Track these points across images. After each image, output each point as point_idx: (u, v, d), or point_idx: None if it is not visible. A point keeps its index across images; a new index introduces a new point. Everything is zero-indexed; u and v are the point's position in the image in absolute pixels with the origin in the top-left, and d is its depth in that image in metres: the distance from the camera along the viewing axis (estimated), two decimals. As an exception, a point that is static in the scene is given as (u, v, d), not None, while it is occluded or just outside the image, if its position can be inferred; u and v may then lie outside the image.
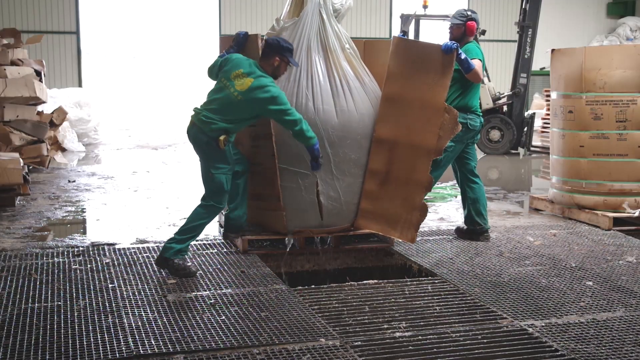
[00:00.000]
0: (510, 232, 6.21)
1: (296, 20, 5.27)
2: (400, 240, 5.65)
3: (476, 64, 5.45)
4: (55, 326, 3.79)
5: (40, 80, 9.51)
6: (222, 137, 4.74)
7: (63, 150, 11.08)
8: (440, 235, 6.07)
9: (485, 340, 3.69)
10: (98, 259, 5.14)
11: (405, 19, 13.29)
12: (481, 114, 5.83)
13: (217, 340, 3.62)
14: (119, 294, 4.36)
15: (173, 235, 4.86)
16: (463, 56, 5.30)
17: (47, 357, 3.40)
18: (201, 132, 4.78)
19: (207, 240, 5.72)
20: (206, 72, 5.16)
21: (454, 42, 5.20)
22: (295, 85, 5.18)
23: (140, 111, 17.06)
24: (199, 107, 4.88)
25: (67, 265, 4.97)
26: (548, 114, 12.29)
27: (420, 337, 3.70)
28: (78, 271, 4.83)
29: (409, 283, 4.67)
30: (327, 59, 5.27)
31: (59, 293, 4.36)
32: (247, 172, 5.32)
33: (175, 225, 6.38)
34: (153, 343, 3.57)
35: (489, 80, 13.06)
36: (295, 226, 5.28)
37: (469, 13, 5.77)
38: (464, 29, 5.71)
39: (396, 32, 17.19)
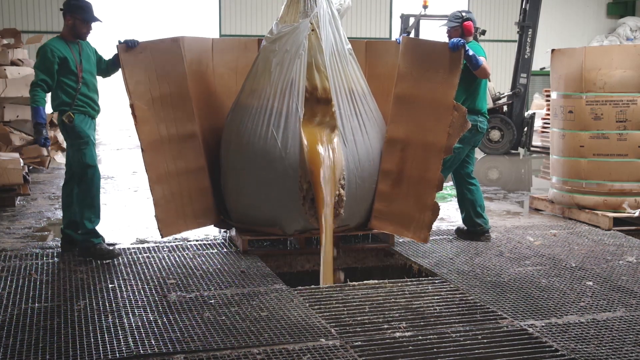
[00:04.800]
0: (510, 232, 6.21)
1: (295, 25, 5.21)
2: (400, 240, 5.66)
3: (483, 60, 5.44)
4: (55, 326, 3.79)
5: (41, 80, 9.49)
6: (64, 116, 5.06)
7: (63, 150, 11.04)
8: (440, 235, 6.07)
9: (485, 341, 3.68)
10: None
11: (406, 19, 13.30)
12: (488, 116, 5.83)
13: (217, 340, 3.62)
14: (119, 294, 4.35)
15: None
16: (471, 52, 5.24)
17: (47, 357, 3.40)
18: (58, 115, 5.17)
19: (207, 240, 5.72)
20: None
21: (460, 39, 5.15)
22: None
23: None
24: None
25: (67, 265, 4.97)
26: (548, 114, 12.30)
27: (420, 337, 3.70)
28: (78, 271, 4.83)
29: (409, 283, 4.66)
30: (339, 67, 5.25)
31: (59, 293, 4.36)
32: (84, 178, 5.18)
33: (175, 225, 6.37)
34: (153, 343, 3.57)
35: (489, 80, 13.06)
36: (295, 227, 5.27)
37: (464, 14, 5.73)
38: (461, 30, 5.69)
39: (396, 32, 17.20)
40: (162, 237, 5.24)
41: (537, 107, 17.15)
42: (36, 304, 4.16)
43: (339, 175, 5.10)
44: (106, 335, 3.66)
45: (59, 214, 7.04)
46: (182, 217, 5.30)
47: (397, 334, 3.74)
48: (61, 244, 5.37)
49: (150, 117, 5.11)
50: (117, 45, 5.11)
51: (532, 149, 13.19)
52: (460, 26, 5.68)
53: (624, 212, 6.49)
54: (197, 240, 5.72)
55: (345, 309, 4.14)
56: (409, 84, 5.30)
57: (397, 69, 5.39)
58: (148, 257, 5.20)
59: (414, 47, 5.40)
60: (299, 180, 5.07)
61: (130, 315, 3.96)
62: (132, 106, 5.02)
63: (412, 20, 13.23)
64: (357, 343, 3.62)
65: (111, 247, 5.23)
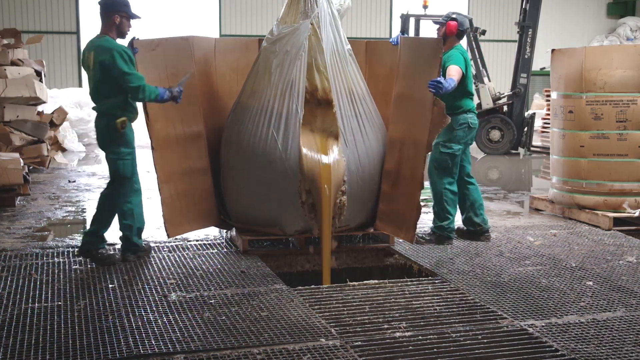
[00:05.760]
0: (510, 232, 6.21)
1: (295, 26, 5.20)
2: (400, 240, 5.66)
3: (452, 70, 5.37)
4: (55, 326, 3.79)
5: (41, 80, 9.52)
6: (119, 120, 4.83)
7: (63, 150, 11.08)
8: (440, 235, 6.06)
9: (485, 340, 3.68)
10: (98, 259, 5.14)
11: (406, 19, 13.31)
12: (476, 112, 5.85)
13: (217, 340, 3.62)
14: (119, 294, 4.35)
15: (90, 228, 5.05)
16: (443, 90, 4.94)
17: (47, 357, 3.40)
18: (100, 117, 4.93)
19: (207, 240, 5.72)
20: None
21: (438, 83, 4.88)
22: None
23: (140, 111, 17.03)
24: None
25: (67, 265, 4.97)
26: (548, 114, 12.31)
27: (420, 337, 3.70)
28: (78, 271, 4.83)
29: (409, 283, 4.66)
30: (340, 67, 5.26)
31: (59, 293, 4.36)
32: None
33: (175, 225, 6.37)
34: (153, 343, 3.57)
35: (489, 80, 13.08)
36: (295, 228, 5.27)
37: (453, 15, 5.78)
38: (444, 29, 5.73)
39: (396, 32, 17.19)
40: (168, 237, 5.26)
41: (537, 107, 17.17)
42: (36, 304, 4.15)
43: (341, 181, 5.09)
44: (106, 335, 3.66)
45: (59, 214, 7.05)
46: (186, 217, 5.31)
47: (397, 334, 3.74)
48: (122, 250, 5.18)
49: (161, 115, 5.12)
50: (131, 41, 5.02)
51: (532, 149, 13.20)
52: (445, 25, 5.73)
53: (624, 212, 6.49)
54: (197, 240, 5.72)
55: (345, 309, 4.14)
56: (405, 84, 5.32)
57: (396, 69, 5.41)
58: (148, 257, 5.19)
59: (408, 46, 5.43)
60: (298, 184, 5.07)
61: (130, 315, 3.96)
62: (145, 103, 4.99)
63: (411, 21, 13.24)
64: (357, 343, 3.62)
65: (111, 252, 5.14)
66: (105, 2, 4.93)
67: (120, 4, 4.91)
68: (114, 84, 4.81)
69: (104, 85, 4.85)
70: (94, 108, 5.01)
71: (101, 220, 5.04)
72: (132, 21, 5.02)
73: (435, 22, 5.89)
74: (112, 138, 4.91)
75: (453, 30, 5.69)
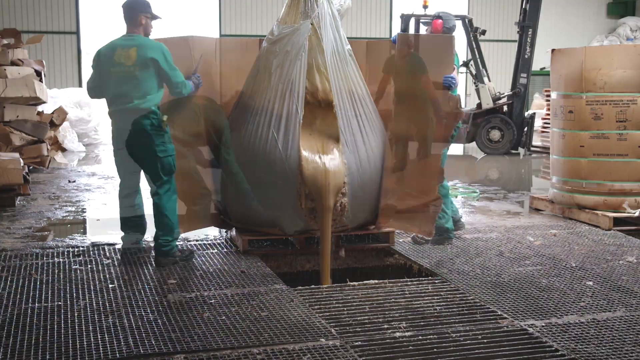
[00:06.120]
0: (510, 232, 6.21)
1: (295, 27, 5.20)
2: (400, 240, 5.66)
3: (455, 79, 5.43)
4: (55, 326, 3.79)
5: (41, 81, 9.51)
6: (164, 118, 4.85)
7: (63, 150, 11.06)
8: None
9: (485, 340, 3.68)
10: (98, 259, 5.15)
11: (406, 19, 13.30)
12: None
13: (217, 340, 3.62)
14: (119, 294, 4.36)
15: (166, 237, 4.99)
16: (454, 87, 5.22)
17: (47, 357, 3.40)
18: (139, 116, 4.86)
19: (207, 240, 5.72)
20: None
21: (451, 79, 5.11)
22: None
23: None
24: (119, 105, 4.96)
25: (67, 265, 4.97)
26: (548, 114, 12.30)
27: (420, 337, 3.70)
28: (78, 271, 4.84)
29: (409, 283, 4.66)
30: (340, 67, 5.27)
31: (59, 293, 4.36)
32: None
33: (175, 225, 6.36)
34: (153, 343, 3.57)
35: (489, 80, 13.07)
36: (295, 228, 5.27)
37: (441, 13, 5.85)
38: (431, 27, 5.81)
39: (396, 32, 17.18)
40: None
41: (537, 107, 17.16)
42: (36, 304, 4.16)
43: (341, 183, 5.08)
44: (106, 335, 3.66)
45: (59, 214, 7.04)
46: (186, 217, 5.31)
47: (397, 334, 3.74)
48: (158, 258, 5.02)
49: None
50: None
51: (532, 149, 13.20)
52: (431, 24, 5.81)
53: (624, 212, 6.49)
54: (197, 240, 5.72)
55: (345, 309, 4.14)
56: (407, 80, 5.35)
57: (395, 66, 5.44)
58: (148, 257, 5.20)
59: (408, 43, 5.45)
60: (297, 186, 5.07)
61: (130, 315, 3.96)
62: None
63: (411, 21, 13.24)
64: (357, 343, 3.62)
65: (185, 249, 5.17)
66: (130, 5, 5.00)
67: (145, 5, 5.01)
68: (156, 80, 4.88)
69: (147, 82, 4.88)
70: (130, 106, 4.88)
71: (171, 224, 5.00)
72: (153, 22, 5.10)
73: (424, 22, 6.01)
74: (160, 136, 4.90)
75: (438, 28, 5.77)
